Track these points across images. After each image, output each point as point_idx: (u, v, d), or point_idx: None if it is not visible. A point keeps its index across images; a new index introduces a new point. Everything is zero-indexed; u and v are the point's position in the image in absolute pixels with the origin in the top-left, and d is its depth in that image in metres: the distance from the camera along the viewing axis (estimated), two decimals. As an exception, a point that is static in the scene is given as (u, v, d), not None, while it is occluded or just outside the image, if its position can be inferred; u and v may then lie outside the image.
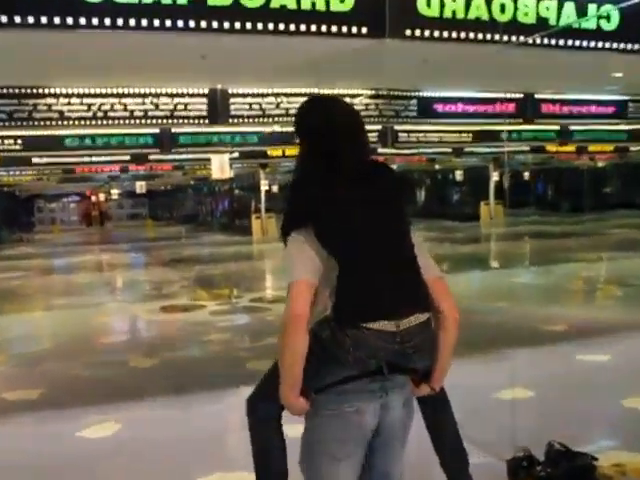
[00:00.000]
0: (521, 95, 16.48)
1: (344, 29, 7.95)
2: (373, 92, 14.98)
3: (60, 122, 13.19)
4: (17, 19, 7.06)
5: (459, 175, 35.10)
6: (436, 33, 8.46)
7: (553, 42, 9.18)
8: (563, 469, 3.94)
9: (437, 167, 36.57)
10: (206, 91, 13.84)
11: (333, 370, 2.33)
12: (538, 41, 9.03)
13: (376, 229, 2.38)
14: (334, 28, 7.90)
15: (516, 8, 8.89)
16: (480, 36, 8.72)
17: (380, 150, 21.63)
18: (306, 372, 2.33)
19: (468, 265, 16.29)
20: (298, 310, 2.28)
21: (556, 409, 5.41)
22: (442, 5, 8.49)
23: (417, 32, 8.39)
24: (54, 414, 5.86)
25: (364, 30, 8.07)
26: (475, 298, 11.34)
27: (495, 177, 32.08)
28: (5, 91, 12.69)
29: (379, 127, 18.46)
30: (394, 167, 25.26)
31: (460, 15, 8.59)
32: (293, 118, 2.60)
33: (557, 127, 20.65)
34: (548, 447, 4.09)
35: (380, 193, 2.44)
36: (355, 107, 2.62)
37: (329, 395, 2.38)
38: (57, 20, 7.06)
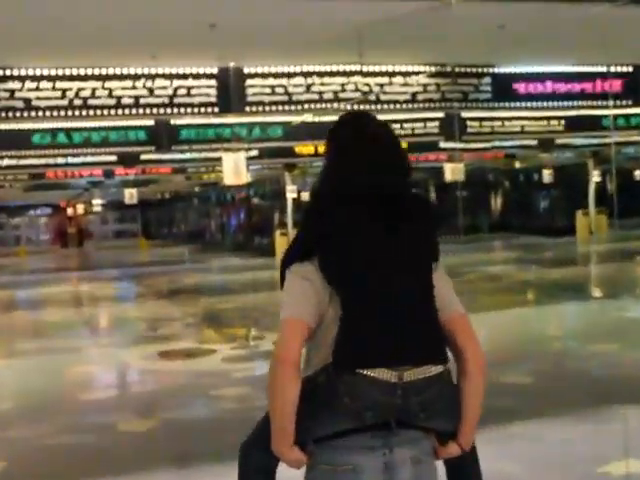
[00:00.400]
0: (630, 68, 16.38)
1: (395, -13, 7.99)
2: (434, 69, 15.01)
3: (26, 113, 13.40)
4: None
5: (548, 175, 34.85)
6: (517, -10, 8.47)
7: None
8: None
9: (518, 165, 36.35)
10: (215, 70, 13.97)
11: (327, 420, 2.62)
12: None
13: (390, 265, 2.64)
14: (382, -14, 7.94)
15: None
16: (576, -8, 8.70)
17: (443, 144, 21.63)
18: (300, 421, 2.61)
19: (561, 295, 16.13)
20: (286, 353, 2.58)
21: (685, 488, 5.31)
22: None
23: (491, -11, 8.40)
24: (21, 494, 5.88)
25: (422, -12, 8.10)
26: (571, 338, 11.21)
27: (596, 177, 31.78)
28: (-46, 74, 12.96)
29: (441, 114, 18.45)
30: (461, 166, 25.20)
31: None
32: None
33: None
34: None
35: (402, 225, 2.69)
36: (390, 126, 2.92)
37: (325, 448, 2.67)
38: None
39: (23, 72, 13.13)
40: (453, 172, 25.58)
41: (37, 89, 13.25)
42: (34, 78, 13.19)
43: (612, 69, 16.17)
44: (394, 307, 2.59)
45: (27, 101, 13.27)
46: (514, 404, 7.54)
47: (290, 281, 2.70)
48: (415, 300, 2.63)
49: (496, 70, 15.82)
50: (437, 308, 2.68)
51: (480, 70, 15.73)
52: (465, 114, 18.87)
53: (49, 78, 13.28)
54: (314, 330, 2.64)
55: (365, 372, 2.53)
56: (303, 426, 2.61)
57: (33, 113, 13.35)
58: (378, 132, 2.84)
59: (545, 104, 17.25)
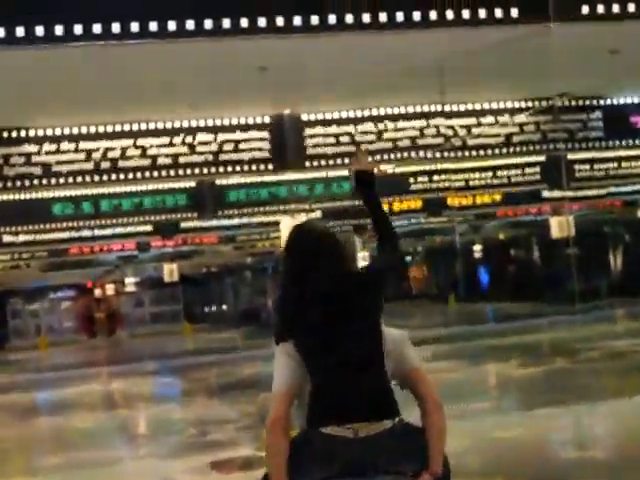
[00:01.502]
0: None
1: (482, 13, 8.04)
2: (532, 104, 15.01)
3: (45, 180, 13.60)
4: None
5: (679, 226, 34.48)
6: (631, 7, 8.48)
7: None
8: None
9: (641, 215, 36.05)
10: (267, 119, 14.10)
11: (306, 470, 3.88)
12: None
13: (343, 348, 3.99)
14: (466, 13, 8.00)
15: None
16: None
17: (547, 194, 21.53)
18: (289, 473, 3.87)
19: None
20: (272, 417, 3.98)
21: None
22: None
23: (600, 9, 8.42)
24: None
25: (514, 12, 8.14)
26: None
27: None
28: (-39, 136, 13.23)
29: (543, 158, 18.39)
30: (571, 219, 25.05)
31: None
32: None
33: None
34: None
35: (346, 306, 4.06)
36: (331, 230, 4.51)
37: None
38: (40, 31, 7.37)
39: (40, 132, 13.30)
40: (560, 227, 25.39)
41: (57, 151, 13.42)
42: (53, 139, 13.34)
43: None
44: (349, 378, 3.95)
45: (46, 166, 13.43)
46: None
47: (277, 357, 4.20)
48: (366, 371, 3.98)
49: (608, 102, 15.77)
50: (399, 365, 4.14)
51: (589, 103, 15.68)
52: (572, 156, 18.74)
53: (71, 138, 13.43)
54: (299, 396, 4.07)
55: (328, 430, 3.90)
56: (291, 477, 3.86)
57: (53, 180, 13.48)
58: (318, 242, 4.22)
59: (671, 140, 17.09)
